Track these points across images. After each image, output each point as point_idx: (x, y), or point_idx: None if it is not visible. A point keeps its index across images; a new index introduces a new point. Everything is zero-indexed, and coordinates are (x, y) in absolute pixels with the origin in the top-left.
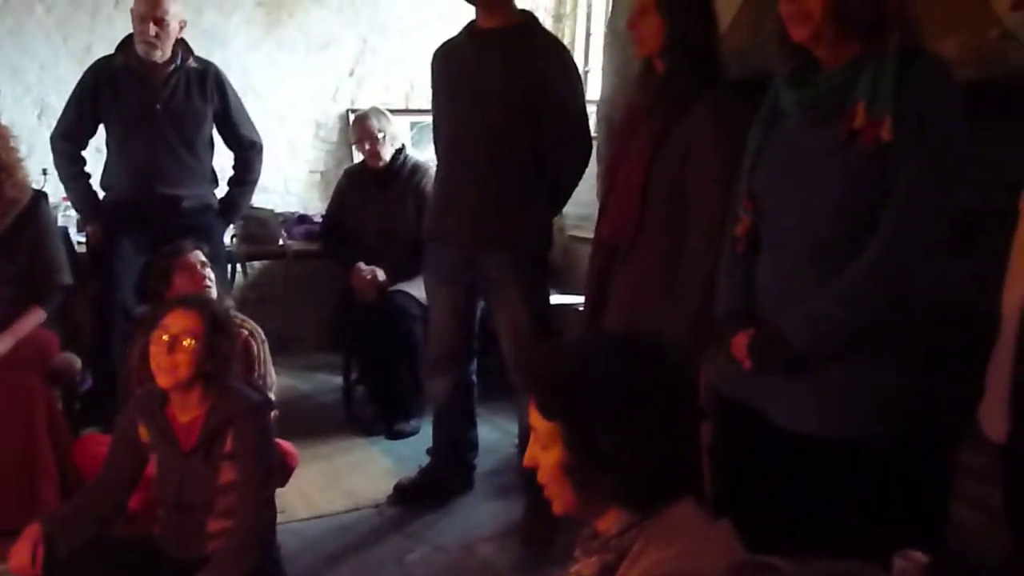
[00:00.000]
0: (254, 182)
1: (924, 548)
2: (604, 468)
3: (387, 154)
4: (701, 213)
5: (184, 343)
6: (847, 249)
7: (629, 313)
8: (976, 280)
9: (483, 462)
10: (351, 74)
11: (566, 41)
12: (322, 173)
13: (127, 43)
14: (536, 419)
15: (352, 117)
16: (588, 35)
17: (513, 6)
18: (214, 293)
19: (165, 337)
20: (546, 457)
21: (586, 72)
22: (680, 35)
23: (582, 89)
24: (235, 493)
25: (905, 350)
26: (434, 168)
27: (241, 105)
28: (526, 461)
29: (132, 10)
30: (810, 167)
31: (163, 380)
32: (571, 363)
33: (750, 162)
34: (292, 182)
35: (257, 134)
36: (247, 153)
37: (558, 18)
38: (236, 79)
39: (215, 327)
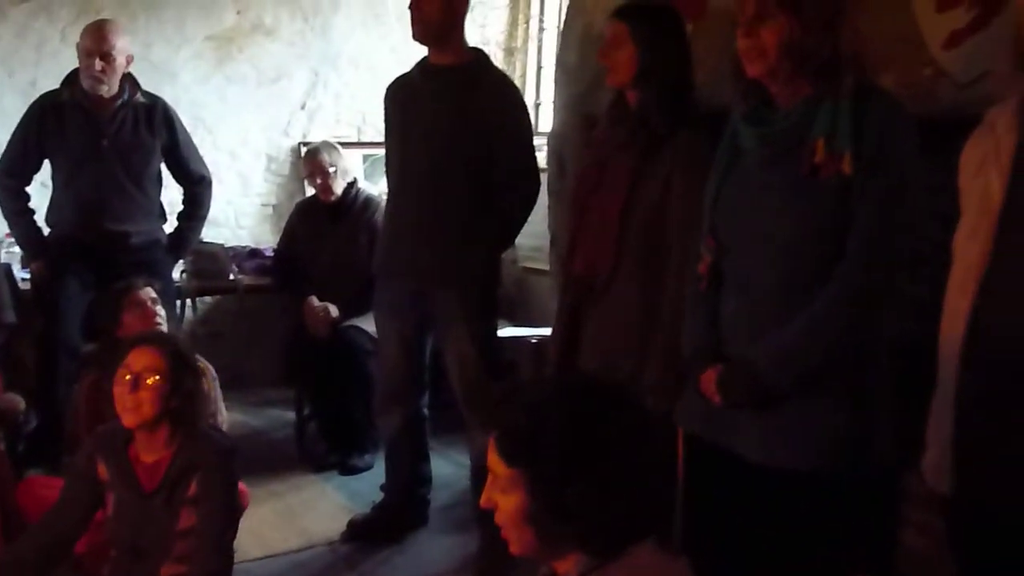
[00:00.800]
0: (203, 217)
1: (874, 574)
2: (569, 518)
3: (339, 188)
4: (680, 251)
5: (148, 381)
6: (813, 282)
7: (607, 352)
8: (916, 306)
9: (437, 497)
10: (303, 107)
11: (517, 75)
12: (274, 207)
13: (73, 78)
14: (496, 463)
15: (304, 150)
16: (539, 68)
17: (464, 44)
18: (164, 330)
19: (128, 376)
20: (506, 501)
21: (537, 105)
22: (654, 65)
23: (530, 126)
24: (193, 539)
25: (878, 374)
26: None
27: (190, 139)
28: (483, 503)
29: (78, 45)
30: (772, 203)
31: (128, 419)
32: (534, 411)
33: (711, 200)
34: (243, 216)
35: (206, 168)
36: (196, 188)
37: (509, 52)
38: (185, 113)
39: (179, 363)
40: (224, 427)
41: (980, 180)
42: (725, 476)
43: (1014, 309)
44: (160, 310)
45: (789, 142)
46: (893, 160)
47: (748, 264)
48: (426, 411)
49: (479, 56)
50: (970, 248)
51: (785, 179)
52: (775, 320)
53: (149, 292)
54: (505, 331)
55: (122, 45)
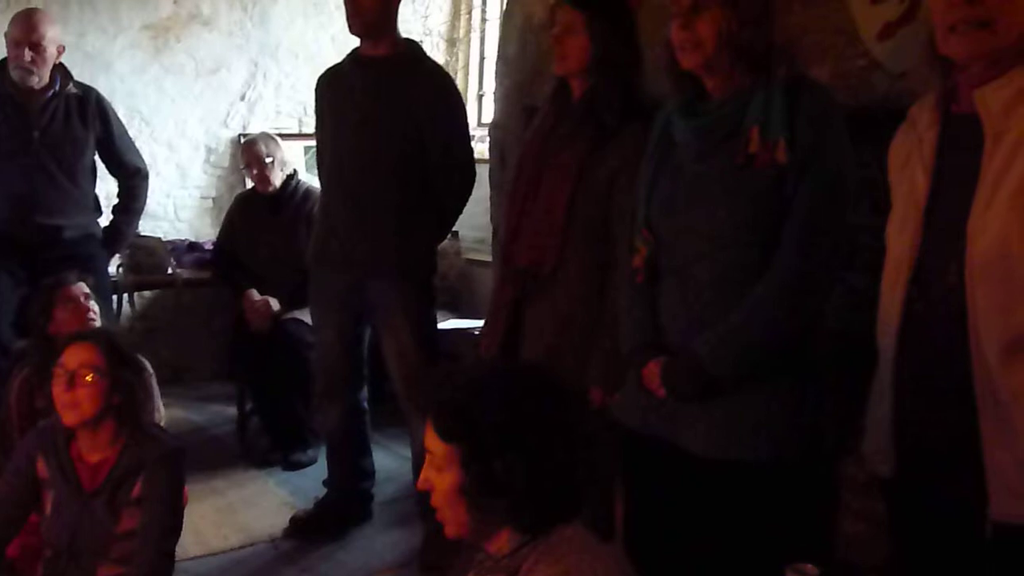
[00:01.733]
0: (139, 210)
1: (814, 560)
2: (499, 490)
3: (277, 179)
4: (625, 245)
5: (85, 378)
6: (751, 271)
7: (551, 346)
8: (854, 294)
9: (381, 491)
10: (242, 98)
11: (459, 66)
12: (214, 199)
13: (1, 68)
14: (433, 442)
15: (243, 142)
16: (482, 59)
17: (397, 35)
18: (99, 326)
19: (64, 374)
20: (442, 480)
21: (480, 96)
22: (607, 56)
23: (465, 116)
24: (133, 540)
25: (818, 367)
26: None
27: (124, 131)
28: (420, 484)
29: (5, 34)
30: (707, 194)
31: (67, 418)
32: (469, 388)
33: (645, 192)
34: (182, 209)
35: (142, 160)
36: (132, 180)
37: (452, 43)
38: (121, 104)
39: (116, 358)
40: (162, 423)
41: (906, 173)
42: (666, 469)
43: (942, 296)
44: (94, 305)
45: (723, 133)
46: (827, 148)
47: (685, 256)
48: (366, 404)
49: (412, 47)
50: (900, 239)
51: (719, 170)
52: (714, 311)
53: (82, 287)
54: (448, 323)
55: (52, 34)
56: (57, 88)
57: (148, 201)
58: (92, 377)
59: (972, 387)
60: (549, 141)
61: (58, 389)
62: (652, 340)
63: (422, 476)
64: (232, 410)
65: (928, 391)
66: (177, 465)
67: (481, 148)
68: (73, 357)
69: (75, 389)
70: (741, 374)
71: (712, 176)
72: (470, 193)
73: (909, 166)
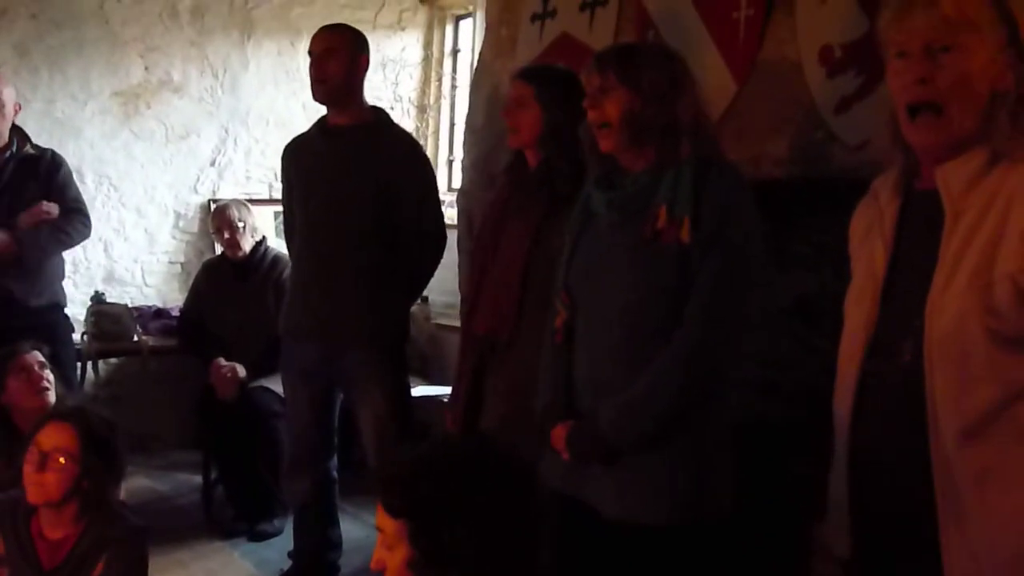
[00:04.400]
0: (68, 233)
1: None
2: (448, 565)
3: (247, 245)
4: None
5: (57, 461)
6: (654, 341)
7: (509, 413)
8: (817, 354)
9: (348, 561)
10: (212, 164)
11: (429, 131)
12: (182, 264)
13: None
14: (383, 520)
15: (213, 207)
16: (452, 125)
17: (364, 103)
18: (52, 396)
19: (36, 453)
20: (393, 557)
21: (450, 162)
22: (559, 126)
23: (434, 182)
24: None
25: (717, 431)
26: None
27: (72, 185)
28: (373, 564)
29: None
30: (618, 264)
31: (32, 496)
32: (416, 464)
33: (566, 258)
34: (150, 274)
35: (84, 207)
36: (70, 211)
37: (422, 109)
38: (90, 170)
39: (91, 443)
40: (121, 494)
41: (866, 246)
42: (584, 529)
43: (898, 372)
44: (48, 375)
45: (635, 206)
46: (730, 227)
47: (595, 321)
48: (335, 474)
49: (379, 115)
50: (857, 311)
51: (630, 242)
52: (619, 377)
53: (36, 356)
54: (419, 390)
55: (9, 93)
56: (14, 149)
57: (115, 267)
58: (64, 461)
59: (929, 466)
60: (505, 211)
61: (28, 468)
62: (562, 401)
63: (375, 556)
64: (197, 479)
65: (882, 467)
66: (141, 545)
67: (451, 213)
68: (48, 438)
69: (44, 473)
70: (639, 442)
71: (623, 248)
72: (440, 257)
73: (869, 239)
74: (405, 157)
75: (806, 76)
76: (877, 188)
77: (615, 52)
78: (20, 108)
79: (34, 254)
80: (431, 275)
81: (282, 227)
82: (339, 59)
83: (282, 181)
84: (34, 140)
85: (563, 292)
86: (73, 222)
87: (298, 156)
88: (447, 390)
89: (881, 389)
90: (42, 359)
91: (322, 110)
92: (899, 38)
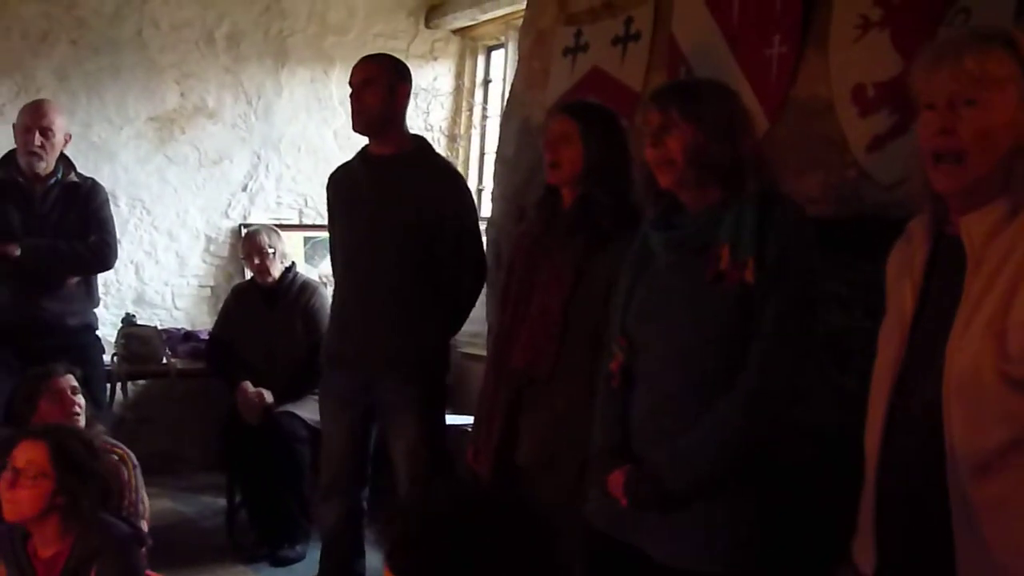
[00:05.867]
0: (78, 252)
1: None
2: None
3: (276, 271)
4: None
5: (29, 478)
6: (716, 384)
7: (549, 450)
8: (850, 399)
9: None
10: (244, 189)
11: (460, 160)
12: (211, 288)
13: (9, 158)
14: None
15: (244, 232)
16: (482, 155)
17: (406, 132)
18: (82, 421)
19: (10, 470)
20: None
21: (479, 191)
22: (601, 164)
23: (475, 211)
24: None
25: (778, 478)
26: (322, 286)
27: (106, 214)
28: None
29: (15, 124)
30: (679, 305)
31: (7, 514)
32: (424, 521)
33: (622, 300)
34: (180, 297)
35: (112, 240)
36: (95, 239)
37: (452, 138)
38: (124, 193)
39: (66, 462)
40: (146, 515)
41: (898, 286)
42: (633, 574)
43: (921, 408)
44: (80, 400)
45: (696, 246)
46: (794, 268)
47: (655, 365)
48: (365, 504)
49: (421, 144)
50: (888, 346)
51: (690, 283)
52: (679, 421)
53: (70, 380)
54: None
55: (61, 123)
56: (59, 176)
57: (146, 289)
58: (35, 478)
59: (948, 499)
60: (539, 246)
61: (2, 485)
62: (619, 446)
63: None
64: (221, 502)
65: (907, 497)
66: (130, 553)
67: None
68: (22, 455)
69: (16, 489)
70: (699, 489)
71: (683, 289)
72: (481, 288)
73: (901, 279)
74: (446, 187)
75: (838, 114)
76: (912, 230)
77: (675, 89)
78: (70, 139)
79: (33, 259)
80: (472, 306)
81: (312, 253)
82: (377, 89)
83: (327, 210)
84: (69, 161)
85: (620, 336)
86: (92, 244)
87: (340, 185)
88: (471, 419)
89: (906, 422)
90: (75, 384)
91: (355, 138)
92: (927, 90)
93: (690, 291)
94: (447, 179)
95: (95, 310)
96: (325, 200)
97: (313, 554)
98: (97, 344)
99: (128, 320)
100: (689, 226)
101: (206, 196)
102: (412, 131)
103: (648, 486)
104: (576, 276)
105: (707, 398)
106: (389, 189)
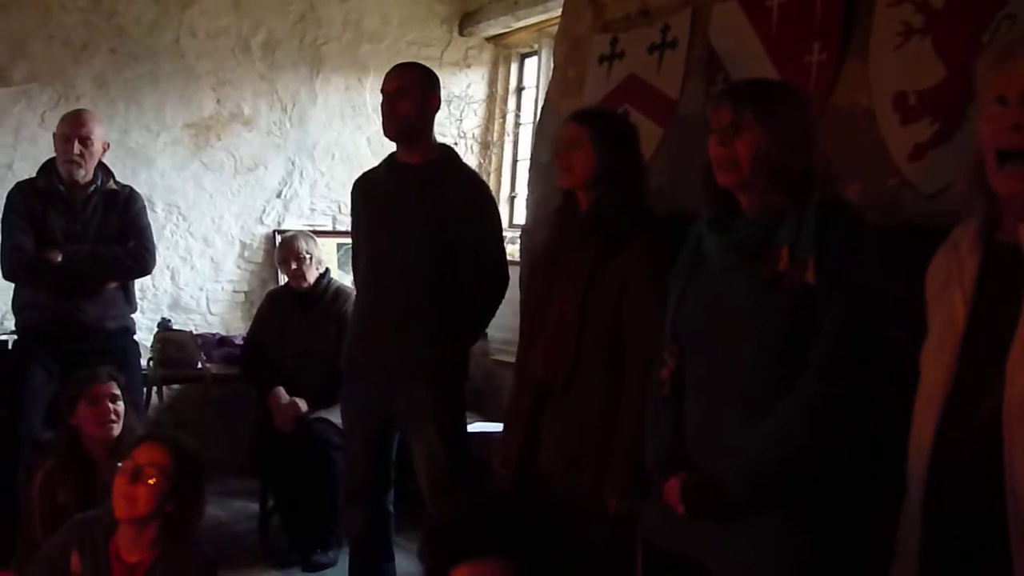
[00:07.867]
0: (119, 258)
1: None
2: None
3: (311, 276)
4: (635, 356)
5: (149, 476)
6: (775, 390)
7: (569, 455)
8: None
9: None
10: (279, 195)
11: (492, 168)
12: (246, 293)
13: (49, 166)
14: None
15: (279, 238)
16: (515, 162)
17: (433, 142)
18: (117, 430)
19: (131, 466)
20: None
21: (512, 198)
22: (612, 168)
23: (499, 222)
24: None
25: (842, 488)
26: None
27: (144, 223)
28: None
29: (55, 133)
30: (734, 310)
31: (121, 510)
32: (469, 531)
33: (674, 305)
34: (215, 302)
35: (148, 241)
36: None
37: (485, 145)
38: (160, 199)
39: (183, 467)
40: None
41: (945, 296)
42: None
43: (977, 429)
44: (118, 408)
45: (752, 250)
46: (856, 273)
47: (710, 371)
48: (391, 508)
49: (447, 153)
50: (936, 366)
51: (747, 287)
52: (738, 428)
53: (111, 387)
54: (475, 426)
55: (100, 132)
56: (99, 184)
57: (181, 294)
58: (156, 478)
59: (1005, 526)
60: (558, 252)
61: (120, 480)
62: (673, 455)
63: None
64: (254, 507)
65: (958, 523)
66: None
67: (512, 249)
68: (144, 453)
69: (137, 485)
70: (759, 498)
71: (739, 293)
72: (501, 298)
73: (948, 290)
74: (469, 197)
75: (879, 122)
76: (957, 237)
77: (753, 88)
78: (108, 147)
79: (74, 265)
80: (491, 315)
81: (345, 259)
82: (410, 98)
83: (351, 215)
84: (107, 169)
85: (671, 342)
86: (131, 250)
87: (365, 191)
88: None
89: (958, 444)
90: (116, 391)
91: (387, 145)
92: (999, 81)
93: (747, 294)
94: (471, 188)
95: (132, 315)
96: (350, 207)
97: (345, 560)
98: (135, 348)
99: (164, 325)
100: (747, 228)
101: (241, 202)
102: (445, 139)
103: (706, 495)
104: (589, 280)
105: (767, 403)
106: (412, 197)
